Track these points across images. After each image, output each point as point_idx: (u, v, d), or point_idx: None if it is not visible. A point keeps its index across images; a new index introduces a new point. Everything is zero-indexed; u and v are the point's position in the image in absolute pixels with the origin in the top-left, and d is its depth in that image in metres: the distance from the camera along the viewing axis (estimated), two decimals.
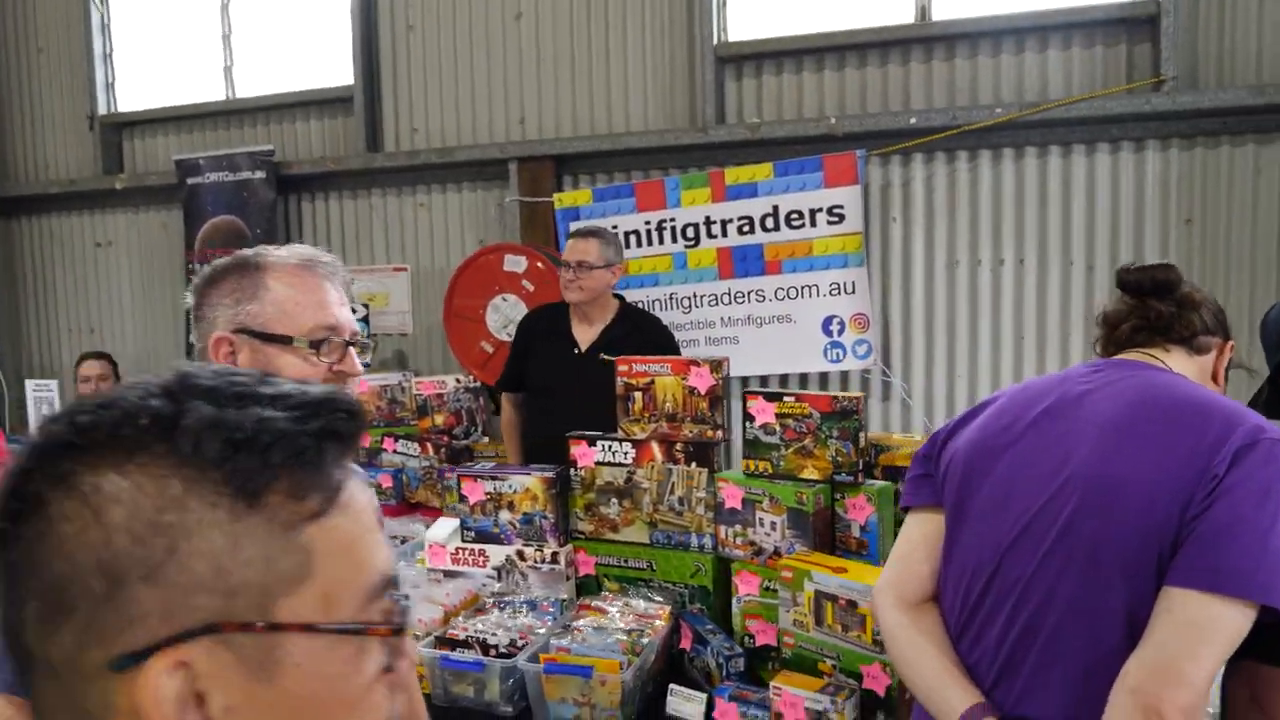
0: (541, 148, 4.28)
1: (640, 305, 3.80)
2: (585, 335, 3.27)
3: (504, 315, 4.07)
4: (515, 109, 4.44)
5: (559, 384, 3.28)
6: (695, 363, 2.51)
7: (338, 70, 4.75)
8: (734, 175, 3.99)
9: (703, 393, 2.49)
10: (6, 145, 5.56)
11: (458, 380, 4.18)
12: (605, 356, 3.10)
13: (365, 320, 4.40)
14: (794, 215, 3.93)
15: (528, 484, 2.66)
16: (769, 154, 3.96)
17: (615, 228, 4.17)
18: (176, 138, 5.16)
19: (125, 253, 5.36)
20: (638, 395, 2.59)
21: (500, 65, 4.44)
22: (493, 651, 2.22)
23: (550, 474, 2.65)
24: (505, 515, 2.70)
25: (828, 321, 3.93)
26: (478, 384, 4.15)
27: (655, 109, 4.23)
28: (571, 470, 2.68)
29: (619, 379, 2.60)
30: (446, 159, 4.40)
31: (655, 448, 2.52)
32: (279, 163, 4.66)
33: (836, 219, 3.88)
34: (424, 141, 4.60)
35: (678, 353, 3.28)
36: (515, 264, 4.02)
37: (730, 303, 4.06)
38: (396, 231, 4.71)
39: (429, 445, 4.01)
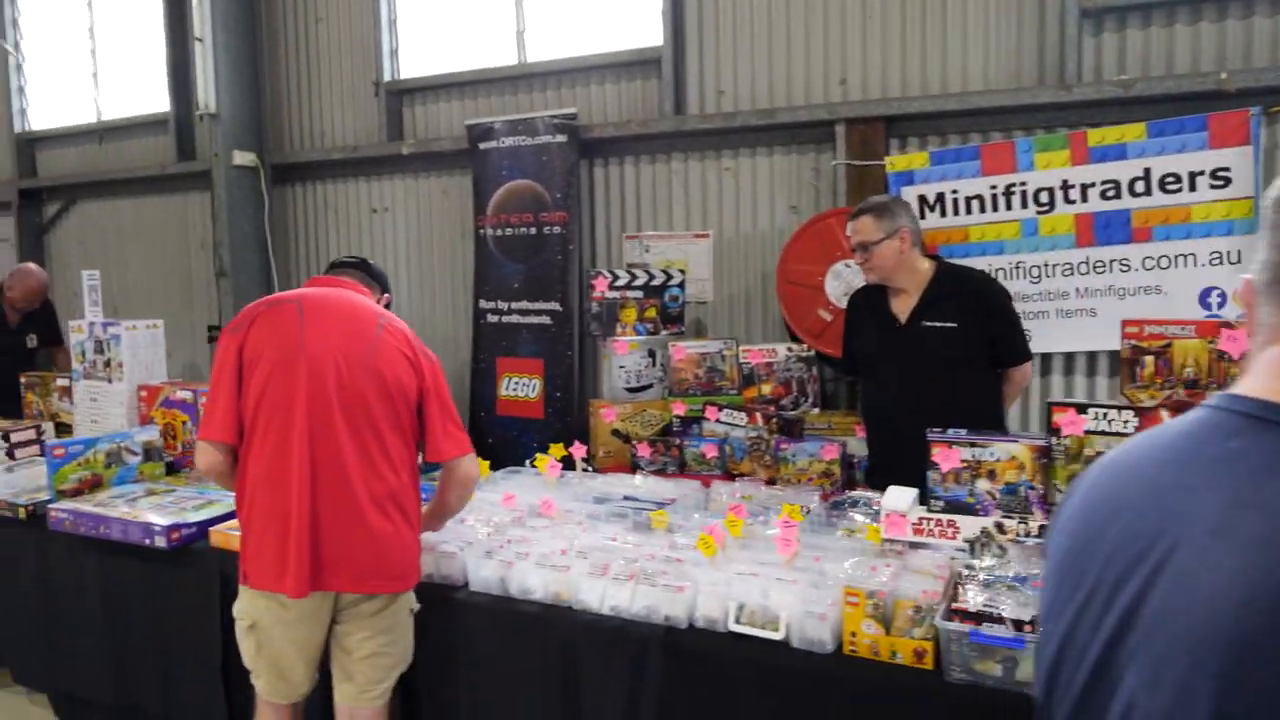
0: (872, 108, 4.09)
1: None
2: (903, 307, 3.10)
3: (845, 282, 3.91)
4: (835, 68, 4.26)
5: (884, 360, 3.15)
6: (1228, 325, 2.30)
7: (638, 32, 4.65)
8: (1098, 136, 3.73)
9: (1235, 357, 2.27)
10: (285, 113, 5.65)
11: (789, 349, 4.05)
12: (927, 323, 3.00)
13: (680, 286, 4.30)
14: (1169, 179, 3.65)
15: (1014, 451, 2.50)
16: (1133, 113, 3.70)
17: (955, 192, 3.97)
18: (460, 103, 5.15)
19: (403, 218, 5.38)
20: (1149, 359, 2.40)
21: (820, 23, 4.27)
22: (1027, 628, 2.05)
23: (1041, 442, 2.48)
24: (983, 484, 2.54)
25: (1205, 294, 3.65)
26: (811, 353, 4.02)
27: (997, 66, 4.00)
28: (1054, 439, 2.50)
29: (1125, 341, 2.41)
30: (767, 121, 4.25)
31: (1165, 417, 2.31)
32: (580, 126, 4.59)
33: (1221, 183, 3.59)
34: (730, 104, 4.46)
35: (1009, 299, 3.11)
36: None
37: (1088, 272, 3.81)
38: (699, 197, 4.60)
39: (757, 415, 3.89)
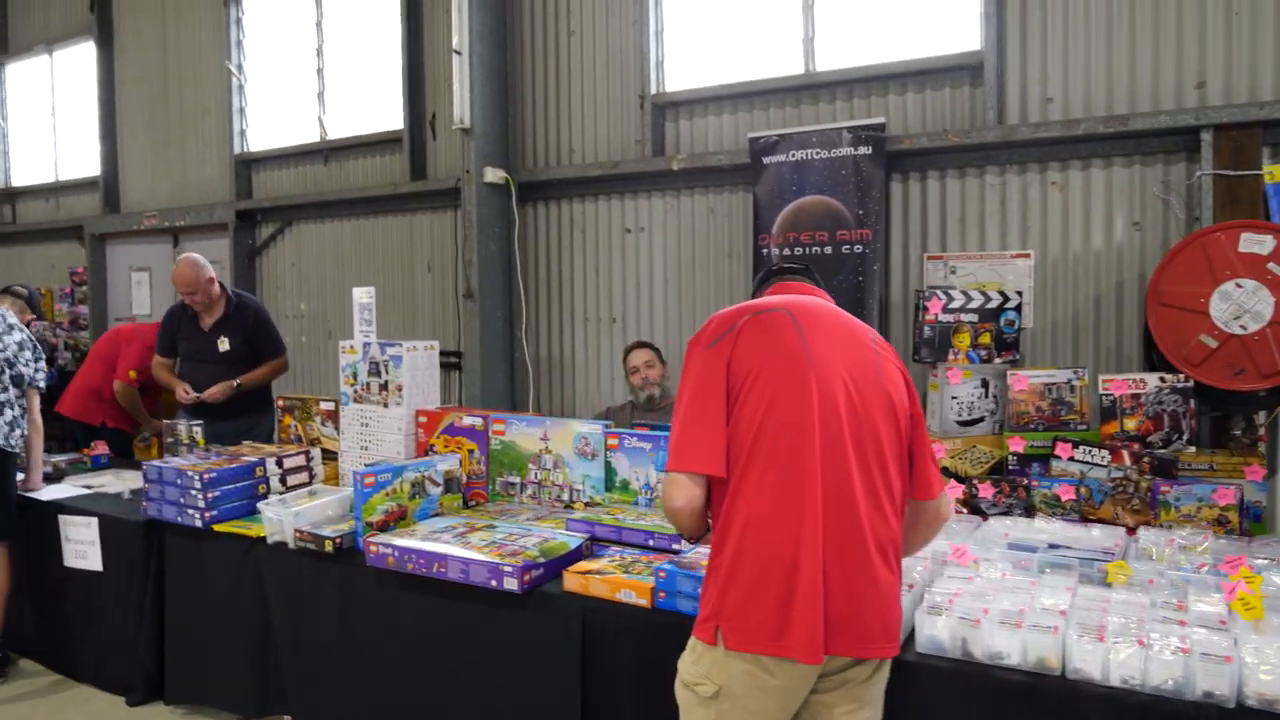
0: (1248, 113, 3.66)
1: None
2: None
3: (1236, 304, 3.47)
4: (1191, 70, 3.85)
5: None
6: None
7: (952, 37, 4.32)
8: None
9: None
10: (531, 129, 5.46)
11: (1161, 379, 3.62)
12: None
13: (1017, 310, 3.90)
14: None
15: None
16: None
17: None
18: (734, 116, 4.87)
19: (660, 238, 5.11)
20: None
21: (1173, 21, 3.87)
22: None
23: None
24: None
25: None
26: (1189, 384, 3.57)
27: None
28: None
29: None
30: (1117, 129, 3.85)
31: None
32: (888, 137, 4.25)
33: None
34: (1059, 111, 4.08)
35: None
36: (1257, 244, 3.41)
37: None
38: (1017, 213, 4.21)
39: (1123, 453, 3.46)
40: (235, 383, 4.77)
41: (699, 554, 2.61)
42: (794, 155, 4.46)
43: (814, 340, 2.01)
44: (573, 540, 2.95)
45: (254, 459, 3.70)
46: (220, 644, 3.49)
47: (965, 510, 3.63)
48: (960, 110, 4.30)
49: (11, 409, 4.01)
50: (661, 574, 2.58)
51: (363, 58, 6.24)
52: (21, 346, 4.11)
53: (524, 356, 5.42)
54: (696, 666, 2.04)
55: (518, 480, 3.52)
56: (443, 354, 5.62)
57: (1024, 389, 3.81)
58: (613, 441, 3.32)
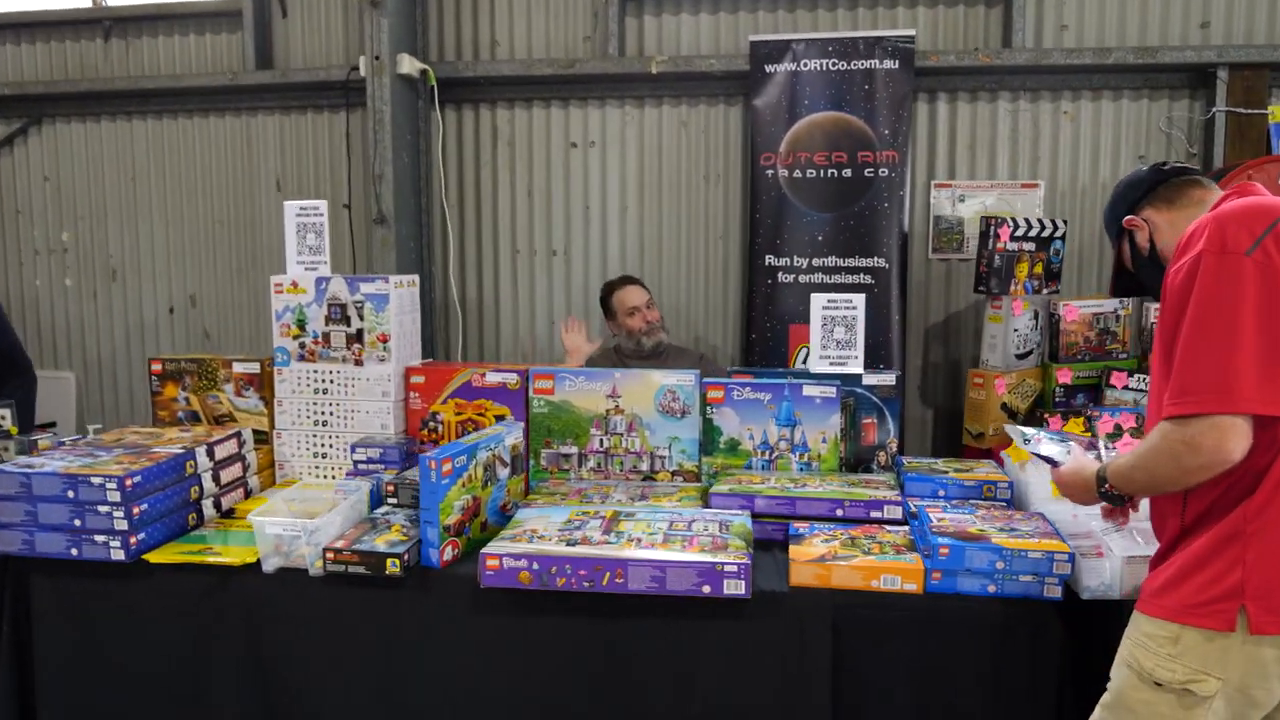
0: (1261, 53, 3.83)
1: None
2: None
3: None
4: (1197, 11, 3.96)
5: None
6: None
7: None
8: None
9: None
10: (447, 15, 4.36)
11: None
12: None
13: (1062, 239, 3.78)
14: None
15: None
16: None
17: None
18: (714, 17, 4.23)
19: (617, 156, 4.35)
20: None
21: None
22: None
23: None
24: None
25: None
26: None
27: None
28: None
29: None
30: (1147, 60, 3.85)
31: None
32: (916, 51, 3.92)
33: None
34: (1073, 40, 4.02)
35: None
36: None
37: None
38: (1028, 142, 4.10)
39: None
40: None
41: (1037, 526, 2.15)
42: (806, 65, 3.97)
43: None
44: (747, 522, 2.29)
45: (175, 450, 2.47)
46: None
47: None
48: (974, 30, 4.08)
49: None
50: (943, 550, 2.07)
51: None
52: None
53: (449, 297, 4.38)
54: (1185, 660, 1.59)
55: (574, 450, 2.74)
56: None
57: (1075, 319, 3.72)
58: (715, 394, 2.69)
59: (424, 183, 4.30)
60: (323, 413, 2.83)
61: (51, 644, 2.32)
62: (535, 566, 2.04)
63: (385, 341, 2.78)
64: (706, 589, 2.01)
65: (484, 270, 4.48)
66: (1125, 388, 3.62)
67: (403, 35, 4.10)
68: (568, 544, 2.10)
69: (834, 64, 3.94)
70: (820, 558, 2.10)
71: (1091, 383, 3.71)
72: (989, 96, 4.10)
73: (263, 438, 2.85)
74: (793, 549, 2.16)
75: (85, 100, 4.70)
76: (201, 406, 2.95)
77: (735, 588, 2.00)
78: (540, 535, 2.15)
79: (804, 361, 3.99)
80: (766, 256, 4.04)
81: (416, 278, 2.90)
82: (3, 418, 2.99)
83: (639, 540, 2.11)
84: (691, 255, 4.35)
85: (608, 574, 2.03)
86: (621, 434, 2.72)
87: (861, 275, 3.97)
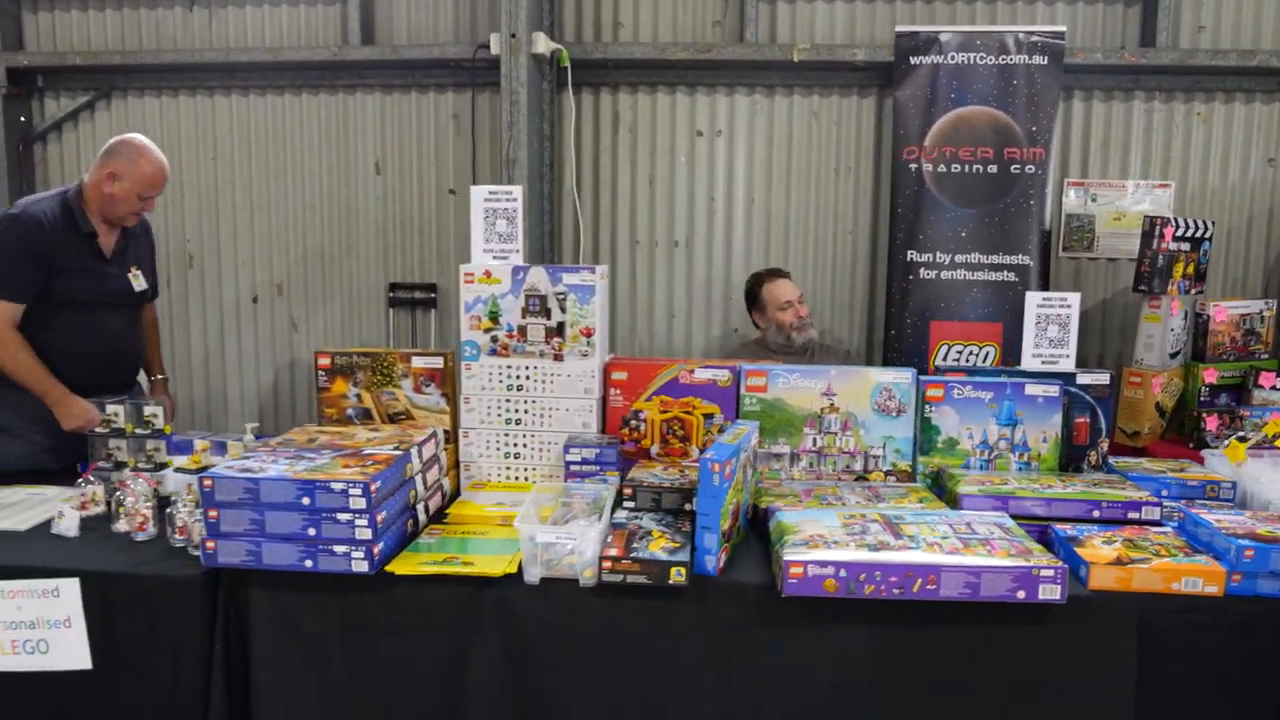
0: None
1: None
2: None
3: None
4: None
5: None
6: None
7: None
8: None
9: None
10: None
11: None
12: None
13: (1209, 240, 3.80)
14: None
15: None
16: None
17: None
18: (849, 5, 4.14)
19: (745, 145, 4.24)
20: None
21: None
22: None
23: None
24: None
25: None
26: None
27: None
28: None
29: None
30: None
31: None
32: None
33: None
34: (1209, 40, 4.04)
35: None
36: None
37: None
38: (1160, 142, 4.12)
39: None
40: (163, 376, 3.33)
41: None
42: (954, 58, 3.90)
43: None
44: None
45: (394, 451, 2.28)
46: None
47: (1190, 444, 3.51)
48: (1111, 29, 4.07)
49: None
50: (1248, 553, 2.05)
51: None
52: None
53: None
54: None
55: (787, 450, 2.65)
56: (409, 287, 4.24)
57: (1224, 319, 3.76)
58: (934, 393, 2.63)
59: (547, 168, 4.11)
60: (516, 411, 2.67)
61: (273, 661, 2.13)
62: (842, 574, 1.94)
63: (589, 336, 2.64)
64: (1021, 594, 1.94)
65: (600, 261, 4.31)
66: (1273, 387, 3.67)
67: (534, 12, 3.90)
68: (869, 549, 2.00)
69: (982, 58, 3.89)
70: (1117, 560, 2.05)
71: (1235, 383, 3.76)
72: (1124, 95, 4.10)
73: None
74: (1084, 552, 2.09)
75: (162, 73, 4.38)
76: (375, 404, 2.76)
77: (1050, 593, 1.93)
78: (835, 541, 2.04)
79: (945, 359, 3.96)
80: (908, 252, 3.97)
81: (606, 268, 2.75)
82: (155, 416, 2.75)
83: (937, 544, 2.02)
84: (819, 249, 4.26)
85: (919, 580, 1.94)
86: (836, 433, 2.64)
87: (1005, 273, 3.93)
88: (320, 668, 2.11)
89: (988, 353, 3.94)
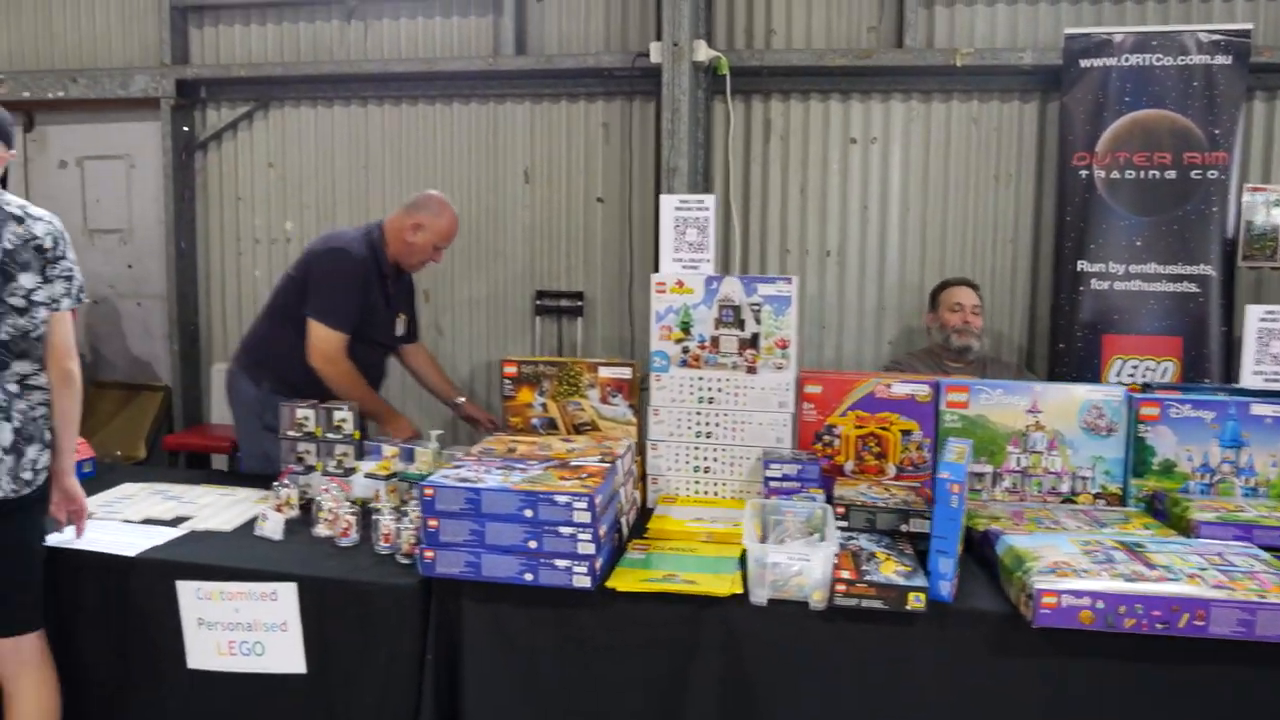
0: None
1: None
2: None
3: None
4: None
5: None
6: None
7: None
8: None
9: None
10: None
11: None
12: None
13: None
14: None
15: None
16: None
17: None
18: (991, 7, 4.00)
19: (900, 152, 4.13)
20: None
21: None
22: None
23: None
24: None
25: None
26: None
27: None
28: None
29: None
30: None
31: None
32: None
33: None
34: None
35: None
36: None
37: None
38: None
39: None
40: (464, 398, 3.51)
41: None
42: (1128, 60, 3.73)
43: None
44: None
45: (598, 462, 2.24)
46: None
47: None
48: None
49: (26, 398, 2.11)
50: None
51: None
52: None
53: None
54: None
55: (989, 470, 2.53)
56: (555, 295, 4.24)
57: None
58: (1149, 411, 2.47)
59: (699, 176, 4.07)
60: (707, 424, 2.62)
61: (485, 673, 2.11)
62: (1100, 605, 1.83)
63: (784, 348, 2.58)
64: None
65: (751, 271, 4.25)
66: None
67: (694, 22, 3.87)
68: (1125, 579, 1.88)
69: (1159, 59, 3.71)
70: None
71: None
72: None
73: None
74: None
75: (317, 84, 4.48)
76: (561, 413, 2.74)
77: None
78: (1084, 570, 1.93)
79: (1119, 374, 3.78)
80: (1078, 262, 3.81)
81: (795, 277, 2.68)
82: (344, 421, 2.78)
83: (1199, 577, 1.89)
84: (977, 259, 4.13)
85: (1186, 615, 1.81)
86: (1041, 452, 2.52)
87: (1185, 284, 3.74)
88: (533, 682, 2.09)
89: (1166, 368, 3.76)
